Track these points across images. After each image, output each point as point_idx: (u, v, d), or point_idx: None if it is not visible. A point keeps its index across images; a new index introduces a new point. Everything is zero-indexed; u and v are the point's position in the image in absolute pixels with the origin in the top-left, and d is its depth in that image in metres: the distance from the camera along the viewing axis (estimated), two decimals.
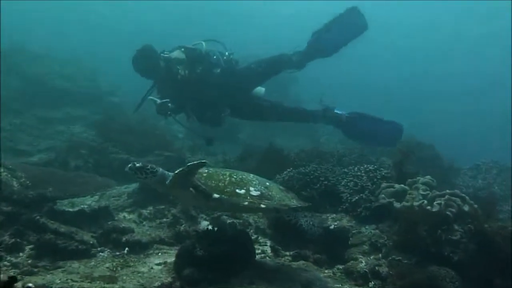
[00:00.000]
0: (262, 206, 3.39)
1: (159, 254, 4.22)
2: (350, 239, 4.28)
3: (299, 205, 3.64)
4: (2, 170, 4.64)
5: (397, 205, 4.02)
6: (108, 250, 4.17)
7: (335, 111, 6.20)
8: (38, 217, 4.09)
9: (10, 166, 4.84)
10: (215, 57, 5.93)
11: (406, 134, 12.49)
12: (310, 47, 6.29)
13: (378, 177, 4.85)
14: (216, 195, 3.32)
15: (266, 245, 4.75)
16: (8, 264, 3.63)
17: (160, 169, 3.46)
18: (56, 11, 31.32)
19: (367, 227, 4.40)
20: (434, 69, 36.86)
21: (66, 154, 7.57)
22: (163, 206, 5.74)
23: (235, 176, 3.54)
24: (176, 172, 3.25)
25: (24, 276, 3.40)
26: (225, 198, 3.33)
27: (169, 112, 5.65)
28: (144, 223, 4.97)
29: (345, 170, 5.21)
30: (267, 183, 3.69)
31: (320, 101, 6.40)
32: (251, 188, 3.46)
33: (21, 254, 3.82)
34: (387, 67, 38.26)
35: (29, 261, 3.69)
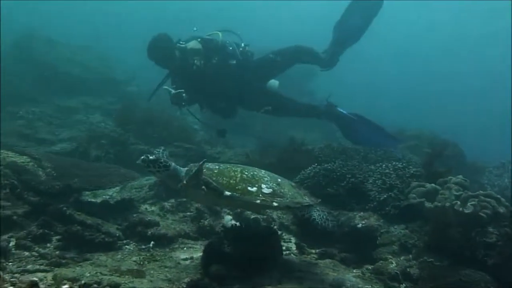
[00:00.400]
0: (275, 204, 3.35)
1: (185, 248, 4.22)
2: (379, 238, 4.22)
3: (312, 203, 3.61)
4: (28, 159, 4.67)
5: (428, 205, 3.95)
6: (134, 243, 4.19)
7: (338, 109, 6.41)
8: (65, 208, 4.12)
9: (36, 156, 4.87)
10: (231, 48, 5.93)
11: (427, 131, 12.40)
12: (338, 38, 6.24)
13: (407, 175, 4.77)
14: (227, 193, 3.28)
15: (290, 242, 4.73)
16: (37, 254, 3.65)
17: (173, 164, 3.46)
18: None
19: (396, 226, 4.33)
20: (435, 68, 36.66)
21: (87, 144, 7.61)
22: (185, 199, 5.78)
23: (246, 173, 3.50)
24: (187, 179, 3.24)
25: (52, 267, 3.44)
26: (236, 196, 3.29)
27: (183, 103, 5.67)
28: (168, 216, 4.98)
29: (372, 167, 5.13)
30: (279, 180, 3.65)
31: (327, 99, 6.52)
32: (263, 185, 3.42)
33: (48, 245, 3.86)
34: (388, 66, 38.26)
35: (57, 252, 3.72)
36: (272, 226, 5.14)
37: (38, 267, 3.43)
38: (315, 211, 3.61)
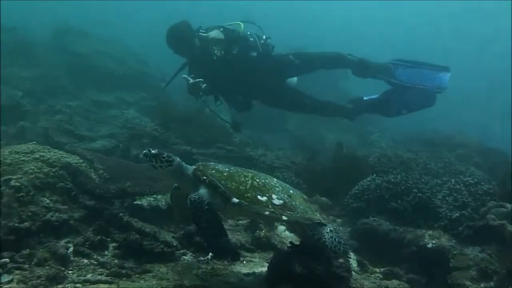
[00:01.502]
0: (284, 218, 3.16)
1: (244, 262, 4.07)
2: (451, 261, 3.98)
3: (323, 220, 3.39)
4: (81, 160, 4.62)
5: (511, 229, 3.70)
6: (191, 254, 4.06)
7: (364, 98, 6.20)
8: (121, 214, 4.04)
9: (88, 156, 4.82)
10: (252, 39, 5.80)
11: (473, 138, 12.00)
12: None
13: (479, 192, 4.52)
14: (235, 200, 3.09)
15: (350, 258, 4.52)
16: (95, 263, 3.57)
17: (178, 159, 3.28)
18: None
19: (470, 249, 4.08)
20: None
21: (128, 142, 7.58)
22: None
23: (257, 180, 3.30)
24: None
25: (113, 278, 3.36)
26: (245, 204, 3.10)
27: (201, 93, 5.53)
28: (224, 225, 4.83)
29: (439, 181, 4.88)
30: (291, 191, 3.45)
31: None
32: (274, 196, 3.21)
33: (106, 252, 3.77)
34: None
35: (116, 261, 3.62)
36: None
37: (99, 277, 3.34)
38: (326, 232, 3.36)
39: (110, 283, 3.27)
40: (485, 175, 5.40)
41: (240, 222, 5.00)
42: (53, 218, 3.80)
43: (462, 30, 32.08)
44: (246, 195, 3.12)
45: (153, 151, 3.19)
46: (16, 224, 3.49)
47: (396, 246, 4.34)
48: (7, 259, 3.22)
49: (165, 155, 3.20)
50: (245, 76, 5.86)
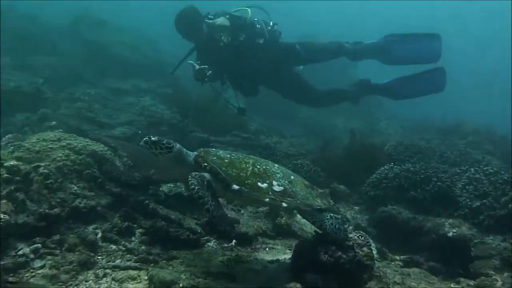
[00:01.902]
0: (284, 205, 3.08)
1: (267, 249, 4.03)
2: (472, 249, 3.89)
3: (324, 206, 3.30)
4: (105, 148, 4.57)
5: None
6: (214, 240, 4.01)
7: (372, 82, 6.19)
8: (147, 201, 4.00)
9: (112, 144, 4.77)
10: (259, 26, 5.71)
11: (483, 125, 11.75)
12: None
13: (499, 181, 4.40)
14: (235, 186, 3.01)
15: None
16: (124, 249, 3.54)
17: (178, 145, 3.21)
18: None
19: (491, 238, 3.99)
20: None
21: (147, 129, 7.52)
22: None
23: (258, 166, 3.20)
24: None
25: (142, 264, 3.33)
26: (245, 191, 3.02)
27: (206, 79, 5.50)
28: (242, 211, 4.78)
29: (458, 170, 4.77)
30: (292, 177, 3.35)
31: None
32: (274, 182, 3.12)
33: (133, 238, 3.74)
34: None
35: (143, 247, 3.60)
36: (345, 226, 4.92)
37: (128, 263, 3.32)
38: (327, 219, 3.27)
39: (139, 269, 3.25)
40: (503, 164, 5.28)
41: (260, 209, 4.93)
42: (81, 205, 3.77)
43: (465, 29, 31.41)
44: (246, 181, 3.05)
45: (153, 138, 3.13)
46: (47, 211, 3.46)
47: (416, 234, 4.27)
48: (39, 245, 3.20)
49: (164, 142, 3.13)
50: (251, 62, 5.78)
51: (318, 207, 3.25)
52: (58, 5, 18.32)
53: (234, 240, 3.98)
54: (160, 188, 4.50)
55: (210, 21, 5.66)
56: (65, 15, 14.82)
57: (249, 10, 5.81)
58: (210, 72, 5.41)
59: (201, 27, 5.63)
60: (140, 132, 7.54)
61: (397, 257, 4.17)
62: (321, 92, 6.27)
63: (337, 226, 3.26)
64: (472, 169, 4.64)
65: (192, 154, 3.28)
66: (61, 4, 18.03)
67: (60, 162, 4.02)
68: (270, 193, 3.05)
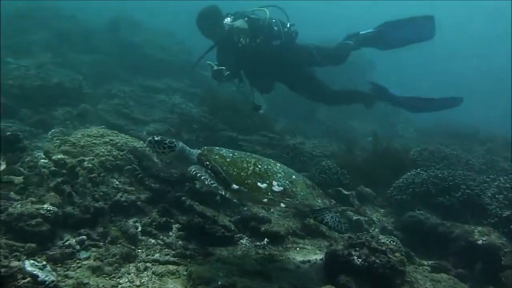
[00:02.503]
0: (282, 205, 2.97)
1: (297, 249, 3.92)
2: (502, 259, 3.71)
3: (324, 206, 3.15)
4: (145, 145, 4.53)
5: None
6: (247, 238, 3.94)
7: (390, 91, 5.94)
8: (184, 197, 3.94)
9: None
10: (276, 28, 5.60)
11: (499, 134, 11.34)
12: (377, 33, 5.87)
13: None
14: (235, 186, 2.91)
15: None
16: (162, 243, 3.50)
17: (180, 144, 3.14)
18: None
19: None
20: (436, 67, 34.28)
21: (179, 127, 7.50)
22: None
23: (259, 166, 3.08)
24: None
25: (180, 259, 3.26)
26: (244, 191, 2.91)
27: (224, 79, 5.46)
28: (272, 210, 4.68)
29: (486, 178, 4.57)
30: (293, 177, 3.19)
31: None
32: (274, 183, 2.99)
33: (170, 233, 3.69)
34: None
35: (180, 242, 3.54)
36: (371, 228, 4.78)
37: (166, 258, 3.26)
38: (327, 213, 3.14)
39: (178, 264, 3.19)
40: None
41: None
42: (122, 199, 3.74)
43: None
44: (246, 181, 2.95)
45: (156, 138, 3.07)
46: (91, 203, 3.43)
47: (444, 240, 4.09)
48: (84, 236, 3.17)
49: (167, 141, 3.06)
50: (267, 62, 5.70)
51: (318, 207, 3.12)
52: (97, 6, 18.54)
53: (266, 239, 3.89)
54: (196, 185, 4.44)
55: (230, 22, 5.59)
56: (103, 16, 14.93)
57: (267, 10, 5.70)
58: (227, 72, 5.37)
59: (221, 27, 5.58)
60: (172, 129, 7.53)
61: (425, 262, 4.01)
62: (334, 91, 6.15)
63: (337, 220, 3.14)
64: (502, 178, 4.43)
65: (195, 153, 3.19)
66: (100, 5, 18.26)
67: (103, 157, 4.01)
68: (269, 193, 2.95)
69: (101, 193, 3.69)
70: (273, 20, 5.67)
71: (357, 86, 7.40)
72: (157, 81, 12.45)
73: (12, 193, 3.34)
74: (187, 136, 7.33)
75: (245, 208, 4.28)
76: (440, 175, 4.56)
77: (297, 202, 3.03)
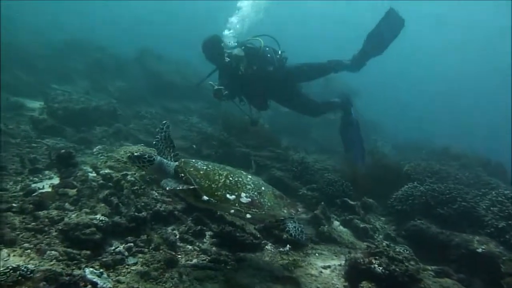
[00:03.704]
0: (248, 216, 2.78)
1: (316, 254, 3.73)
2: (502, 266, 3.53)
3: (289, 216, 2.97)
4: None
5: None
6: (271, 244, 3.76)
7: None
8: None
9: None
10: (269, 55, 5.66)
11: (469, 150, 11.21)
12: (367, 46, 6.00)
13: None
14: (205, 197, 2.73)
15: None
16: (198, 249, 3.32)
17: (158, 158, 2.94)
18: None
19: None
20: (441, 67, 33.67)
21: (200, 143, 7.35)
22: (289, 200, 5.34)
23: (231, 178, 2.90)
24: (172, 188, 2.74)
25: (216, 264, 3.08)
26: (213, 202, 2.74)
27: (223, 97, 5.45)
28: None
29: (479, 192, 4.42)
30: (262, 188, 3.01)
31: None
32: (243, 194, 2.82)
33: (205, 240, 3.51)
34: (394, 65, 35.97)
35: (214, 249, 3.37)
36: (375, 235, 4.60)
37: (204, 263, 3.08)
38: (290, 223, 2.96)
39: (215, 269, 3.00)
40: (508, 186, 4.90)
41: (304, 216, 4.66)
42: (161, 209, 3.57)
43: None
44: (216, 193, 2.77)
45: (135, 154, 2.87)
46: (136, 213, 3.26)
47: (444, 248, 3.92)
48: (131, 244, 2.99)
49: (146, 156, 2.86)
50: (262, 85, 5.75)
51: (282, 218, 2.95)
52: (125, 38, 18.60)
53: (288, 245, 3.71)
54: None
55: (229, 50, 5.61)
56: (132, 47, 14.94)
57: (261, 40, 5.73)
58: (226, 92, 5.38)
59: (221, 54, 5.62)
60: (194, 146, 7.38)
61: (428, 267, 3.82)
62: (319, 103, 6.27)
63: (299, 229, 2.96)
64: (494, 192, 4.29)
65: (172, 165, 2.99)
66: (128, 37, 18.33)
67: (142, 172, 3.84)
68: (237, 204, 2.77)
69: (143, 204, 3.52)
70: (267, 48, 5.74)
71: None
72: (177, 103, 12.38)
73: (67, 204, 3.17)
74: (207, 152, 7.18)
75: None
76: (437, 188, 4.41)
77: (263, 212, 2.85)
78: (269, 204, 2.90)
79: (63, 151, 3.62)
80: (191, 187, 2.74)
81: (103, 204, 3.22)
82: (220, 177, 2.88)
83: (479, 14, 26.28)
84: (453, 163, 9.03)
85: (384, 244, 3.23)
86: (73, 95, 7.97)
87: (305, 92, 6.26)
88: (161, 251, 3.08)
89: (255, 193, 2.90)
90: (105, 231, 2.93)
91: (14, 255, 2.49)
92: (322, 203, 4.61)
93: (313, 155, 9.27)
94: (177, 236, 3.40)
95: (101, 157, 4.13)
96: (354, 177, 5.89)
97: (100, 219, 2.92)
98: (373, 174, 5.98)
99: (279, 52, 5.88)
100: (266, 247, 3.68)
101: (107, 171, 3.65)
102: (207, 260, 3.18)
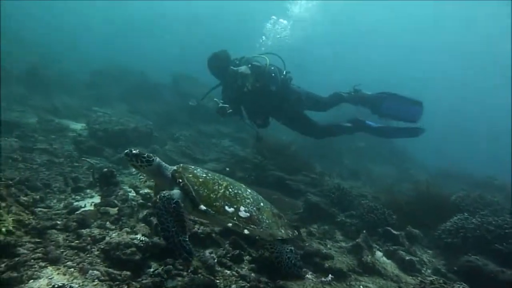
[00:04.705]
0: (246, 232, 2.61)
1: (361, 286, 3.52)
2: None
3: (286, 237, 2.79)
4: None
5: None
6: (311, 273, 3.57)
7: (367, 122, 6.04)
8: None
9: None
10: (273, 75, 5.63)
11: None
12: (375, 97, 5.91)
13: None
14: (203, 207, 2.56)
15: None
16: (237, 274, 3.21)
17: (157, 160, 2.81)
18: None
19: None
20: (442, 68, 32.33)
21: (234, 166, 7.36)
22: (327, 227, 5.15)
23: (230, 190, 2.74)
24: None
25: None
26: (211, 213, 2.57)
27: (227, 115, 5.56)
28: (329, 245, 4.32)
29: None
30: (261, 204, 2.83)
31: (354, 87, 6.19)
32: (242, 208, 2.65)
33: (243, 265, 3.40)
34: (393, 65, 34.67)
35: (253, 275, 3.24)
36: (422, 269, 4.29)
37: None
38: (285, 251, 2.79)
39: None
40: None
41: (344, 244, 4.46)
42: (199, 231, 3.53)
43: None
44: (214, 203, 2.62)
45: (134, 151, 2.77)
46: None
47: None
48: (170, 266, 2.94)
49: (145, 155, 2.77)
50: (264, 103, 5.75)
51: (280, 238, 2.78)
52: (162, 63, 19.48)
53: (330, 275, 3.52)
54: None
55: (235, 68, 5.62)
56: (167, 71, 15.58)
57: (267, 58, 5.74)
58: (230, 110, 5.48)
59: (226, 70, 5.65)
60: (227, 169, 7.39)
61: None
62: (321, 126, 6.18)
63: (293, 262, 2.81)
64: None
65: (170, 169, 2.89)
66: (164, 63, 19.20)
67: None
68: (235, 218, 2.64)
69: None
70: (272, 68, 5.74)
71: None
72: (209, 127, 12.60)
73: (108, 223, 3.20)
74: (240, 174, 7.16)
75: (307, 244, 3.95)
76: (493, 222, 4.08)
77: (261, 230, 2.71)
78: (267, 221, 2.79)
79: (105, 169, 3.71)
80: (189, 195, 2.63)
81: (143, 224, 3.23)
82: (220, 187, 2.78)
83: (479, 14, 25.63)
84: (497, 194, 8.48)
85: (440, 280, 2.97)
86: (112, 117, 8.30)
87: (308, 115, 6.23)
88: (199, 275, 3.00)
89: (254, 208, 2.79)
90: (144, 251, 2.91)
91: (58, 273, 2.51)
92: (364, 231, 4.40)
93: (347, 181, 9.03)
94: (215, 260, 3.32)
95: (140, 177, 4.18)
96: (397, 205, 5.64)
97: (140, 239, 2.91)
98: (416, 202, 5.69)
99: (284, 72, 5.91)
100: (307, 275, 3.50)
101: (146, 190, 3.68)
102: (246, 286, 3.07)
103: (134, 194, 3.73)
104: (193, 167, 2.96)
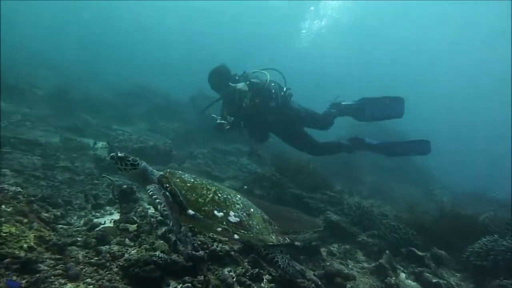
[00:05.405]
0: (236, 236, 2.48)
1: None
2: None
3: (277, 242, 2.65)
4: None
5: None
6: None
7: (366, 140, 6.08)
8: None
9: None
10: (273, 91, 5.61)
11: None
12: (356, 106, 5.96)
13: None
14: (191, 212, 2.44)
15: None
16: None
17: (143, 164, 2.69)
18: None
19: None
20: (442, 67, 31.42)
21: (252, 184, 7.32)
22: (347, 246, 5.01)
23: (219, 194, 2.62)
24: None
25: None
26: (199, 218, 2.44)
27: (225, 131, 5.60)
28: (350, 265, 4.19)
29: None
30: (252, 209, 2.71)
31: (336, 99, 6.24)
32: (231, 213, 2.54)
33: (262, 284, 3.33)
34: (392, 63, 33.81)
35: None
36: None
37: None
38: (279, 253, 2.63)
39: None
40: None
41: (366, 264, 4.31)
42: (218, 248, 3.49)
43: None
44: (203, 208, 2.52)
45: (119, 154, 2.68)
46: (194, 252, 3.20)
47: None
48: (189, 284, 2.90)
49: (130, 159, 2.67)
50: (263, 119, 5.75)
51: (271, 243, 2.66)
52: (180, 84, 19.95)
53: None
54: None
55: (233, 85, 5.64)
56: (186, 92, 15.90)
57: (267, 74, 5.73)
58: (228, 127, 5.51)
59: (226, 86, 5.68)
60: (245, 186, 7.37)
61: None
62: (320, 143, 6.20)
63: (287, 261, 2.66)
64: None
65: (157, 174, 2.81)
66: (183, 82, 19.65)
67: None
68: (225, 223, 2.52)
69: (199, 242, 3.47)
70: (272, 84, 5.74)
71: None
72: (227, 145, 12.65)
73: (127, 239, 3.21)
74: (259, 192, 7.12)
75: (327, 263, 3.84)
76: None
77: (251, 235, 2.60)
78: (257, 227, 2.70)
79: (125, 186, 3.76)
80: (177, 199, 2.55)
81: (162, 241, 3.22)
82: (208, 192, 2.70)
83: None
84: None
85: None
86: (132, 135, 8.48)
87: (307, 131, 6.25)
88: None
89: (244, 213, 2.71)
90: (163, 268, 2.89)
91: None
92: (387, 251, 4.25)
93: (368, 200, 8.84)
94: (234, 279, 3.26)
95: None
96: (420, 225, 5.44)
97: (160, 256, 2.90)
98: (441, 223, 5.49)
99: (284, 89, 5.91)
100: None
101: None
102: None
103: (153, 211, 3.75)
104: (180, 172, 2.91)
